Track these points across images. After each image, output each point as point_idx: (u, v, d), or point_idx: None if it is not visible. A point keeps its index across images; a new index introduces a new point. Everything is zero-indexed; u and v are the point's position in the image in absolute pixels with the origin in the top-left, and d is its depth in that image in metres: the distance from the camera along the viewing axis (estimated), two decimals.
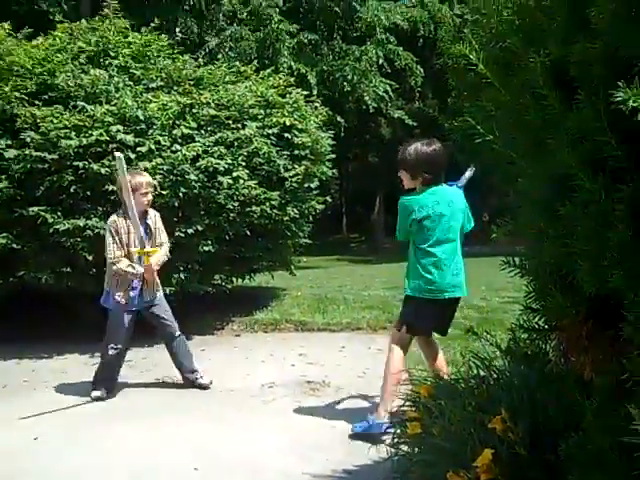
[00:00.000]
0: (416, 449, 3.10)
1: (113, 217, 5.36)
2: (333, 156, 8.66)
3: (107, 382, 5.51)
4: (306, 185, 7.86)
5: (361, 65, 16.99)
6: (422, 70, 18.22)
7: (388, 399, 4.46)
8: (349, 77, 16.81)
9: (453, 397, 3.17)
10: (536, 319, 1.97)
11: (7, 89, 6.67)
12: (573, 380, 1.86)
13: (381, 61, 17.37)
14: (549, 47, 1.54)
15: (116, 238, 5.28)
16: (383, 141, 23.52)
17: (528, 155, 1.66)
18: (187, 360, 5.68)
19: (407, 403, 3.77)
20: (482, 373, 3.40)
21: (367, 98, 17.01)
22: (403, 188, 4.66)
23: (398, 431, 3.41)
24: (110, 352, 5.44)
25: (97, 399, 5.38)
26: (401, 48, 17.78)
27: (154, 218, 5.54)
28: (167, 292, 6.40)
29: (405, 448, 3.24)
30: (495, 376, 3.24)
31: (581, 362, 1.72)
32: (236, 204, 6.87)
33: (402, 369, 4.52)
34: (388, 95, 17.63)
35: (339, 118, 15.96)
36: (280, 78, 8.28)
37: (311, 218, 8.47)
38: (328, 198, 8.66)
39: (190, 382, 5.65)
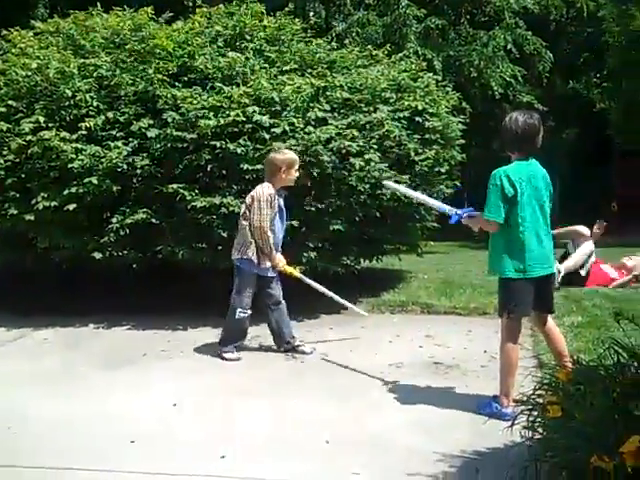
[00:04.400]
0: (555, 433, 3.06)
1: (270, 190, 5.72)
2: (462, 141, 8.60)
3: (236, 342, 5.92)
4: (436, 169, 7.85)
5: (488, 50, 16.74)
6: (552, 55, 17.77)
7: (507, 388, 4.49)
8: (475, 62, 16.59)
9: (594, 383, 3.14)
10: None
11: (150, 71, 6.99)
12: None
13: (509, 46, 17.05)
14: None
15: (270, 210, 5.66)
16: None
17: None
18: (288, 327, 6.06)
19: (543, 387, 3.76)
20: (623, 360, 3.35)
21: (493, 84, 16.76)
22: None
23: (534, 414, 3.40)
24: (239, 316, 5.80)
25: (232, 359, 5.80)
26: (530, 33, 17.40)
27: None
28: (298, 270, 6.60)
29: (542, 432, 3.22)
30: (638, 364, 3.18)
31: None
32: (367, 186, 6.94)
33: (516, 358, 4.55)
34: (516, 80, 17.28)
35: (464, 104, 15.76)
36: (412, 62, 8.29)
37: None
38: (457, 182, 8.61)
39: (291, 347, 6.02)
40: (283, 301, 6.02)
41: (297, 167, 5.87)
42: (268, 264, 5.80)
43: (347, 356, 5.91)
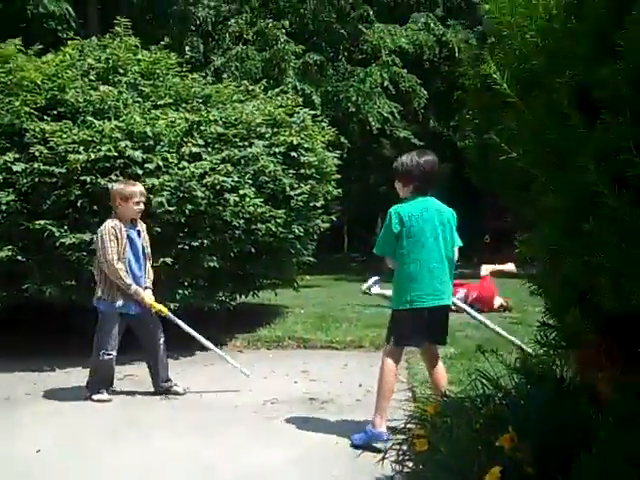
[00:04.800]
0: (422, 466, 3.10)
1: (113, 222, 5.60)
2: (338, 176, 8.70)
3: (103, 384, 5.70)
4: (311, 204, 7.92)
5: (365, 86, 17.08)
6: (426, 92, 18.33)
7: (381, 410, 4.58)
8: (353, 98, 16.89)
9: (460, 415, 3.20)
10: (552, 335, 1.99)
11: (17, 104, 6.75)
12: (587, 397, 1.88)
13: (386, 83, 17.45)
14: (575, 69, 1.58)
15: (114, 243, 5.52)
16: (386, 163, 23.53)
17: (551, 172, 1.70)
18: (165, 369, 5.89)
19: (413, 420, 3.80)
20: (488, 392, 3.44)
21: (371, 119, 17.09)
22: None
23: (404, 448, 3.44)
24: (103, 358, 5.61)
25: (101, 401, 5.60)
26: (405, 70, 17.90)
27: (144, 232, 5.86)
28: (171, 308, 6.49)
29: (411, 465, 3.26)
30: (501, 395, 3.27)
31: (598, 379, 1.74)
32: (242, 221, 6.92)
33: (392, 382, 4.66)
34: (393, 116, 17.69)
35: (342, 139, 16.00)
36: (288, 98, 8.36)
37: (315, 237, 8.52)
38: (333, 217, 8.70)
39: (163, 390, 5.84)
40: (161, 340, 5.85)
41: (137, 199, 5.65)
42: (122, 302, 5.63)
43: (221, 394, 5.83)
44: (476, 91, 2.26)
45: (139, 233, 5.79)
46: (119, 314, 5.65)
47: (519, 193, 2.08)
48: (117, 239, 5.53)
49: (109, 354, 5.60)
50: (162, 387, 5.85)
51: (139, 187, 5.77)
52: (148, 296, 5.72)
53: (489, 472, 2.50)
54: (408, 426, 3.76)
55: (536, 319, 7.80)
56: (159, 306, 5.81)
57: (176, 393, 5.85)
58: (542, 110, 1.70)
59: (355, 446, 4.47)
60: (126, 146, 6.52)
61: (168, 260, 6.50)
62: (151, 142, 6.74)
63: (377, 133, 18.45)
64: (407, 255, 4.54)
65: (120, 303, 5.60)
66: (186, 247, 6.69)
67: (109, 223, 5.59)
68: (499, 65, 1.89)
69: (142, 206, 5.72)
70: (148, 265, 5.87)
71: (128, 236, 5.63)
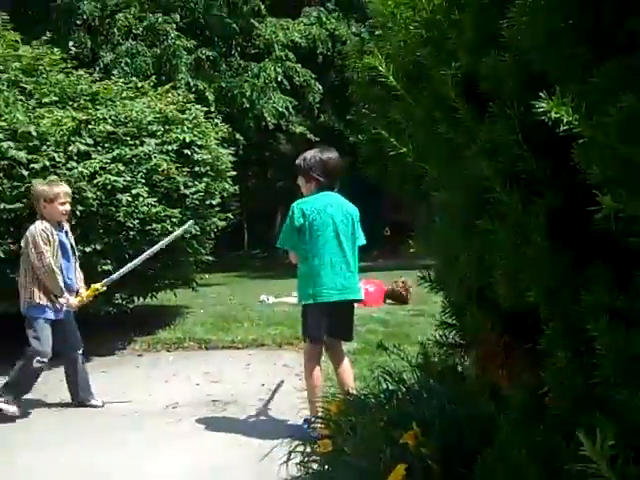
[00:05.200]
0: (327, 467, 3.03)
1: (43, 225, 5.28)
2: (234, 173, 8.58)
3: (20, 394, 5.33)
4: (207, 202, 7.77)
5: (259, 82, 16.97)
6: (321, 87, 18.36)
7: (315, 410, 4.48)
8: (247, 94, 16.74)
9: (363, 412, 3.15)
10: (452, 334, 1.95)
11: None
12: (488, 394, 1.85)
13: (280, 78, 17.37)
14: (460, 60, 1.54)
15: (48, 246, 5.24)
16: (283, 158, 23.54)
17: (443, 168, 1.66)
18: (85, 380, 5.59)
19: (317, 420, 3.75)
20: (391, 387, 3.42)
21: (266, 115, 16.99)
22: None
23: (308, 449, 3.37)
24: (36, 365, 5.23)
25: (10, 413, 5.24)
26: (300, 65, 17.87)
27: (70, 232, 5.62)
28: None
29: (316, 467, 3.19)
30: (404, 390, 3.24)
31: (499, 376, 1.72)
32: (136, 222, 6.73)
33: (317, 379, 4.67)
34: (288, 111, 17.65)
35: (238, 135, 15.84)
36: (179, 94, 8.19)
37: (213, 235, 8.38)
38: (230, 215, 8.57)
39: (81, 402, 5.55)
40: (80, 350, 5.58)
41: (63, 200, 5.40)
42: (58, 306, 5.36)
43: (121, 399, 5.64)
44: (364, 84, 2.21)
45: (66, 234, 5.54)
46: (50, 320, 5.35)
47: (413, 188, 2.05)
48: (49, 243, 5.25)
49: (43, 361, 5.25)
50: (81, 398, 5.56)
51: (63, 187, 5.52)
52: (76, 302, 5.47)
53: (394, 470, 2.44)
54: (312, 426, 3.72)
55: (438, 310, 7.97)
56: (92, 292, 5.58)
57: (94, 406, 5.56)
58: (430, 103, 1.65)
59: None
60: (9, 147, 6.22)
61: None
62: (36, 142, 6.44)
63: (273, 128, 18.40)
64: (310, 250, 4.56)
65: (53, 308, 5.32)
66: (78, 251, 6.42)
67: (39, 226, 5.27)
68: (385, 57, 1.83)
69: (68, 207, 5.47)
70: (77, 266, 5.64)
71: (59, 240, 5.37)
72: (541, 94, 1.11)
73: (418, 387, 3.26)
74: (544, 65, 1.29)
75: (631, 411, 1.25)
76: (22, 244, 5.36)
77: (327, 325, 4.63)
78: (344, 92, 18.77)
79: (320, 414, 3.93)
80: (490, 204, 1.42)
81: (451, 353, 1.93)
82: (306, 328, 4.72)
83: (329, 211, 4.59)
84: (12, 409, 5.26)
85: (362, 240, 4.83)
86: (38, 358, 5.24)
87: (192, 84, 15.37)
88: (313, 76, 18.23)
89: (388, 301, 9.92)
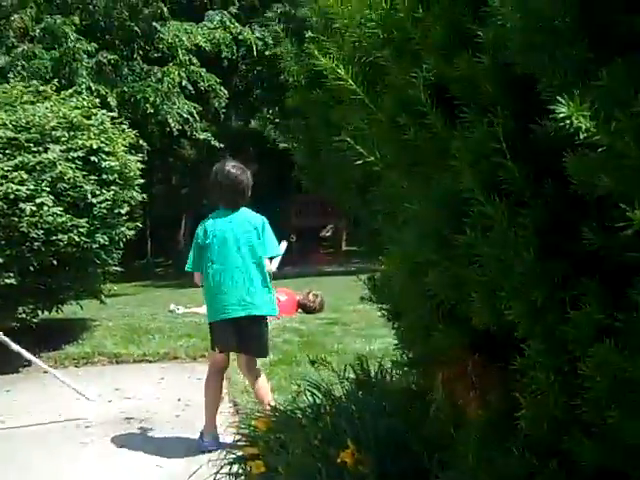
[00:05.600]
0: None
1: None
2: (142, 181, 8.31)
3: None
4: (116, 211, 7.50)
5: (163, 87, 16.63)
6: (226, 92, 18.16)
7: (207, 419, 4.69)
8: (151, 99, 16.38)
9: (293, 429, 3.04)
10: (410, 354, 1.85)
11: None
12: (446, 413, 1.76)
13: (184, 82, 17.09)
14: (427, 62, 1.45)
15: None
16: (187, 164, 23.24)
17: (411, 177, 1.57)
18: None
19: (242, 438, 3.60)
20: (318, 401, 3.31)
21: (170, 120, 16.68)
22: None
23: (236, 469, 3.23)
24: None
25: None
26: (204, 70, 17.63)
27: None
28: None
29: None
30: (333, 404, 3.15)
31: (465, 396, 1.63)
32: (41, 232, 6.40)
33: (214, 390, 4.76)
34: (192, 117, 17.39)
35: (141, 141, 15.49)
36: (84, 99, 7.88)
37: (122, 245, 8.10)
38: (139, 223, 8.31)
39: None
40: None
41: None
42: None
43: (26, 420, 5.29)
44: (302, 88, 2.11)
45: None
46: None
47: (360, 196, 1.96)
48: None
49: None
50: None
51: None
52: None
53: None
54: (237, 444, 3.57)
55: (352, 318, 7.89)
56: None
57: None
58: (393, 108, 1.56)
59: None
60: None
61: None
62: None
63: (177, 134, 18.10)
64: (210, 266, 4.52)
65: None
66: None
67: None
68: (335, 59, 1.72)
69: None
70: None
71: None
72: (560, 98, 1.02)
73: (347, 400, 3.18)
74: (530, 68, 1.21)
75: (623, 434, 1.19)
76: None
77: (237, 342, 4.60)
78: (248, 97, 18.60)
79: (244, 431, 3.81)
80: (468, 217, 1.34)
81: (407, 372, 1.83)
82: (213, 344, 4.75)
83: (229, 227, 4.55)
84: None
85: (272, 251, 4.78)
86: None
87: (93, 89, 14.91)
88: (218, 81, 18.03)
89: (300, 311, 9.81)
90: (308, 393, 3.37)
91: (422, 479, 2.26)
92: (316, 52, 1.84)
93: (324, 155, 2.25)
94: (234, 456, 3.30)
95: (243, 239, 4.56)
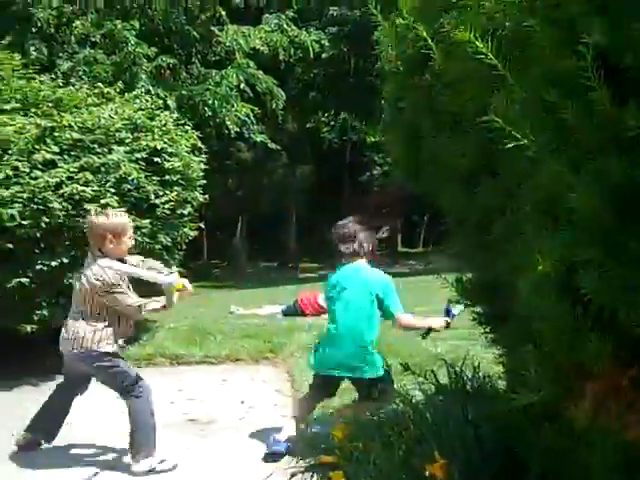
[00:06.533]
0: None
1: (109, 262, 4.43)
2: (204, 182, 8.30)
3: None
4: (178, 212, 7.50)
5: (221, 89, 16.70)
6: (283, 94, 18.18)
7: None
8: (210, 102, 16.47)
9: (372, 438, 2.92)
10: (551, 366, 1.68)
11: None
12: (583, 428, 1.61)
13: (242, 85, 17.15)
14: (591, 32, 1.30)
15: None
16: (244, 166, 23.34)
17: (576, 165, 1.42)
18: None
19: (318, 445, 3.50)
20: (399, 409, 3.18)
21: (229, 122, 16.74)
22: None
23: (311, 476, 3.13)
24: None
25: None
26: (261, 72, 17.68)
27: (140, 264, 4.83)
28: (29, 330, 5.96)
29: None
30: (414, 413, 3.01)
31: (619, 415, 1.49)
32: None
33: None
34: (250, 119, 17.43)
35: (200, 144, 15.55)
36: (147, 100, 7.90)
37: (184, 246, 8.10)
38: (201, 224, 8.30)
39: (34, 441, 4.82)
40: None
41: (131, 234, 4.68)
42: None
43: (88, 423, 5.23)
44: (400, 74, 1.99)
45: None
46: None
47: (465, 189, 1.84)
48: (123, 281, 4.51)
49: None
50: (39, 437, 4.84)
51: (126, 217, 4.81)
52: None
53: None
54: (310, 451, 3.46)
55: None
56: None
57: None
58: (541, 84, 1.41)
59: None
60: None
61: (24, 280, 5.91)
62: None
63: (234, 137, 18.16)
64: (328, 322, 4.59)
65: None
66: (44, 267, 6.07)
67: (105, 263, 4.43)
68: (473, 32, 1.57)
69: (132, 241, 4.75)
70: None
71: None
72: None
73: (428, 408, 3.04)
74: None
75: None
76: (94, 285, 4.40)
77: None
78: (306, 98, 18.60)
79: (316, 439, 3.71)
80: None
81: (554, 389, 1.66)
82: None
83: (339, 284, 4.48)
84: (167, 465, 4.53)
85: (394, 311, 4.49)
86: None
87: (153, 92, 15.01)
88: (275, 82, 18.05)
89: None
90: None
91: None
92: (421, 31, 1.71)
93: (424, 144, 2.13)
94: (307, 464, 3.23)
95: (359, 294, 4.42)
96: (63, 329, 4.56)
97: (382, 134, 2.41)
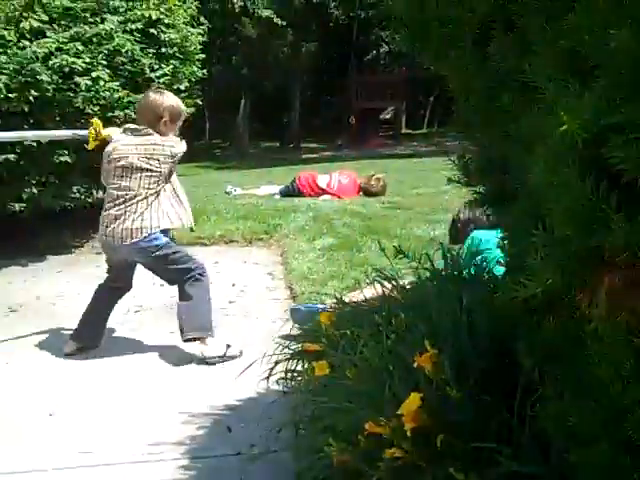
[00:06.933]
0: (321, 392, 2.64)
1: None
2: (203, 56, 7.95)
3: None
4: (175, 86, 7.19)
5: None
6: None
7: None
8: None
9: (360, 324, 2.76)
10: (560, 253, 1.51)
11: None
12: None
13: None
14: None
15: None
16: (247, 43, 22.64)
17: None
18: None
19: (302, 330, 3.41)
20: (387, 293, 3.06)
21: None
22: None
23: (297, 368, 3.05)
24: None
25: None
26: None
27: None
28: (17, 209, 5.83)
29: (309, 388, 2.83)
30: (412, 300, 2.84)
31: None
32: (97, 109, 6.12)
33: None
34: None
35: (202, 19, 14.95)
36: None
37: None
38: (199, 101, 8.01)
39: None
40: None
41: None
42: None
43: (78, 303, 4.91)
44: None
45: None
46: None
47: (473, 53, 1.63)
48: None
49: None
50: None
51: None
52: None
53: (408, 399, 2.11)
54: (295, 336, 3.38)
55: (414, 202, 7.50)
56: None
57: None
58: None
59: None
60: None
61: (11, 157, 5.73)
62: None
63: (239, 11, 17.52)
64: None
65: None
66: (33, 143, 5.87)
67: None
68: None
69: None
70: None
71: None
72: None
73: (421, 294, 2.89)
74: None
75: None
76: (164, 158, 4.22)
77: None
78: None
79: (302, 324, 3.61)
80: None
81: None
82: None
83: None
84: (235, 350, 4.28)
85: None
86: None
87: None
88: None
89: (361, 194, 9.54)
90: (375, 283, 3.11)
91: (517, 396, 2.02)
92: None
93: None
94: (292, 351, 3.14)
95: None
96: (113, 221, 4.17)
97: None
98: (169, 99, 4.36)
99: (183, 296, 4.26)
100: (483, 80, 1.86)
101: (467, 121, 2.20)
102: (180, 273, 4.24)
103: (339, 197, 9.16)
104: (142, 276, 4.55)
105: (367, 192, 9.38)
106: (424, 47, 2.00)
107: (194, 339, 4.19)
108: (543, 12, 1.45)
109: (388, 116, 27.20)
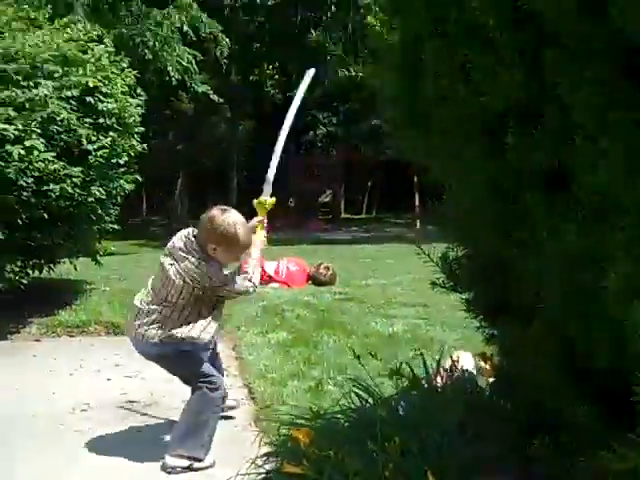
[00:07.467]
0: None
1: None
2: (142, 129, 7.41)
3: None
4: (114, 161, 6.67)
5: (163, 31, 15.57)
6: (229, 41, 17.14)
7: None
8: (150, 43, 15.34)
9: (343, 444, 2.44)
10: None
11: None
12: None
13: (185, 28, 16.00)
14: None
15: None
16: (184, 118, 22.30)
17: None
18: None
19: (279, 449, 2.90)
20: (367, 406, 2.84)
21: (170, 68, 15.64)
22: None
23: None
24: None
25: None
26: (205, 14, 16.58)
27: None
28: None
29: None
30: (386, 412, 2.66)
31: None
32: (30, 180, 5.61)
33: None
34: (192, 66, 16.35)
35: (139, 90, 14.53)
36: (80, 30, 6.97)
37: (119, 199, 7.25)
38: (138, 177, 7.42)
39: None
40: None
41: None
42: None
43: (16, 399, 4.58)
44: None
45: None
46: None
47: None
48: None
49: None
50: None
51: None
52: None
53: None
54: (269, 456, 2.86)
55: (365, 294, 7.10)
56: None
57: None
58: None
59: None
60: None
61: None
62: None
63: (176, 85, 17.10)
64: None
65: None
66: None
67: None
68: None
69: None
70: None
71: None
72: None
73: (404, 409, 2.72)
74: None
75: None
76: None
77: None
78: (251, 48, 17.55)
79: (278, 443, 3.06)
80: None
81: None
82: None
83: None
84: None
85: None
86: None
87: (89, 28, 13.87)
88: (220, 28, 16.96)
89: (310, 283, 9.04)
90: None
91: None
92: None
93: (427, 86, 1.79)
94: (268, 470, 2.74)
95: None
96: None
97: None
98: None
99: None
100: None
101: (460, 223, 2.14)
102: None
103: (288, 285, 8.70)
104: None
105: (316, 281, 8.96)
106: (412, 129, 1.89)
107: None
108: None
109: (327, 199, 27.22)
